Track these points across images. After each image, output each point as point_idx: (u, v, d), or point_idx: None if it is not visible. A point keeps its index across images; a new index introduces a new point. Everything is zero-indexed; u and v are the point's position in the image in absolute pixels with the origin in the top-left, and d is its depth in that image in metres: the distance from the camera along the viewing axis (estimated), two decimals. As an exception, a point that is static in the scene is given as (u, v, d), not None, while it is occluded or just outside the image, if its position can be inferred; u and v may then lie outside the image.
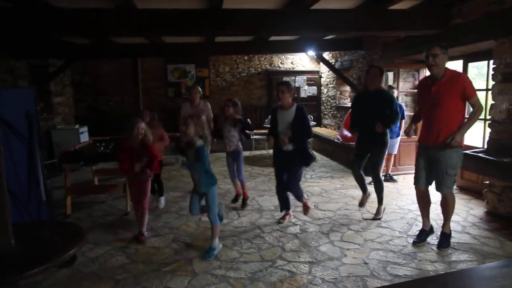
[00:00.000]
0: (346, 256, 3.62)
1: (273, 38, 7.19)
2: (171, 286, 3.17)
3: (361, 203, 4.74)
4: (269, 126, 4.68)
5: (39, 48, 6.69)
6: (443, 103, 3.46)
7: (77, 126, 8.09)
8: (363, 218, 4.61)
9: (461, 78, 3.46)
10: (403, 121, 6.21)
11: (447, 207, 3.68)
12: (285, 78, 10.20)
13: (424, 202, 3.85)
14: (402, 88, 6.80)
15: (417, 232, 3.96)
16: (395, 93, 6.17)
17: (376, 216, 4.59)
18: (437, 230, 3.94)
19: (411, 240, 3.90)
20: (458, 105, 3.46)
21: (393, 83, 6.72)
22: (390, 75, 7.01)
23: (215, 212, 3.71)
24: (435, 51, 3.44)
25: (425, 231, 3.87)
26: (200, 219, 4.60)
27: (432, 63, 3.46)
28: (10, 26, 4.03)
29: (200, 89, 5.80)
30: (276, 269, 3.40)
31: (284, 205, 4.56)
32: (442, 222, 3.81)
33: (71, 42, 6.94)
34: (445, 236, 3.75)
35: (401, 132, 6.28)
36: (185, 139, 3.65)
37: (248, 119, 9.40)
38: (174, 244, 4.01)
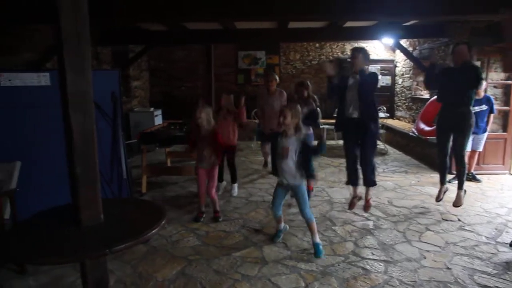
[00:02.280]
0: (425, 258, 3.36)
1: (347, 24, 6.86)
2: (242, 272, 3.17)
3: (438, 197, 4.46)
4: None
5: (121, 36, 7.06)
6: None
7: (152, 109, 8.47)
8: (442, 219, 4.27)
9: None
10: (492, 115, 5.64)
11: None
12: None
13: None
14: (492, 79, 6.15)
15: (509, 240, 3.57)
16: (484, 85, 5.59)
17: (456, 204, 4.32)
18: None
19: (502, 249, 3.52)
20: None
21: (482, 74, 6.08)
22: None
23: (307, 207, 3.48)
24: None
25: None
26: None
27: None
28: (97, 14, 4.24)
29: (276, 76, 5.62)
30: (349, 265, 3.26)
31: (355, 180, 4.30)
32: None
33: (149, 30, 7.21)
34: None
35: (489, 127, 5.71)
36: (283, 129, 3.39)
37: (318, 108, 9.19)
38: (244, 230, 4.01)
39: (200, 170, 4.26)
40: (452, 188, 4.68)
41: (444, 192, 4.51)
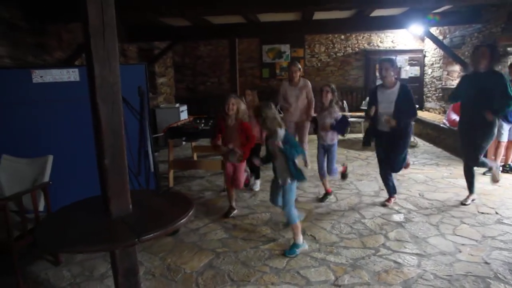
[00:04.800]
0: (461, 252, 3.23)
1: (374, 13, 6.67)
2: (269, 265, 3.14)
3: (465, 201, 4.28)
4: (365, 108, 4.33)
5: (147, 33, 7.15)
6: None
7: (177, 105, 8.55)
8: (478, 212, 4.09)
9: None
10: (531, 104, 5.34)
11: None
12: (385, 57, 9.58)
13: None
14: (531, 65, 5.83)
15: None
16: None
17: (494, 180, 4.20)
18: None
19: (544, 242, 3.34)
20: None
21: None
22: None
23: (290, 207, 3.33)
24: None
25: None
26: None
27: None
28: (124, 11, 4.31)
29: (299, 66, 5.53)
30: (380, 258, 3.17)
31: (392, 189, 4.36)
32: None
33: (174, 25, 7.27)
34: None
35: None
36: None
37: (344, 101, 9.04)
38: (271, 223, 3.98)
39: (228, 165, 4.21)
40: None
41: (473, 200, 4.29)
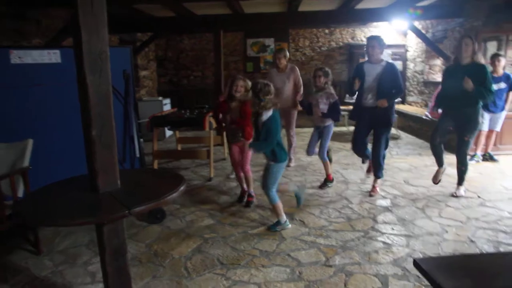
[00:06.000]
0: (447, 232, 3.27)
1: (360, 6, 6.71)
2: (259, 248, 3.11)
3: (435, 178, 4.28)
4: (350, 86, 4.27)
5: (128, 24, 6.99)
6: None
7: (160, 98, 8.42)
8: (462, 195, 4.16)
9: None
10: (510, 93, 5.48)
11: None
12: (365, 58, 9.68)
13: None
14: (511, 57, 5.98)
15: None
16: (502, 62, 5.43)
17: (455, 194, 4.16)
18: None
19: (525, 222, 3.42)
20: None
21: (501, 51, 5.92)
22: (492, 46, 6.22)
23: (271, 188, 3.36)
24: None
25: None
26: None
27: None
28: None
29: (286, 52, 5.48)
30: (369, 239, 3.18)
31: (366, 158, 4.42)
32: None
33: (156, 16, 7.15)
34: None
35: (507, 106, 5.56)
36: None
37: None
38: (259, 209, 3.95)
39: (233, 146, 4.10)
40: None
41: (442, 173, 4.29)
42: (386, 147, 4.21)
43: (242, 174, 4.17)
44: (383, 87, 3.93)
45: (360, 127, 4.25)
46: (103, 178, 1.91)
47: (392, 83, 3.93)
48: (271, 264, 2.86)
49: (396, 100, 4.25)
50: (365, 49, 4.16)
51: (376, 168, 4.24)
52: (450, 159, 4.62)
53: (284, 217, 3.45)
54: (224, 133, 4.63)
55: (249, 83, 3.95)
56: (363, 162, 4.52)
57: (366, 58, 4.15)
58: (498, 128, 5.63)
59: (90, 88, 1.80)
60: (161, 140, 7.84)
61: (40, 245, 3.20)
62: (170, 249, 3.18)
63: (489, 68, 4.47)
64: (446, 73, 4.23)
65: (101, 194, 1.90)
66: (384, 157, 4.24)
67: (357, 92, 4.18)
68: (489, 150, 5.75)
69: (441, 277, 1.19)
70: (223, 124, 4.24)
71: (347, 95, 8.76)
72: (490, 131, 5.63)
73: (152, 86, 9.44)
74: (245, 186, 4.23)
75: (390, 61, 4.10)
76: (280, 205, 3.42)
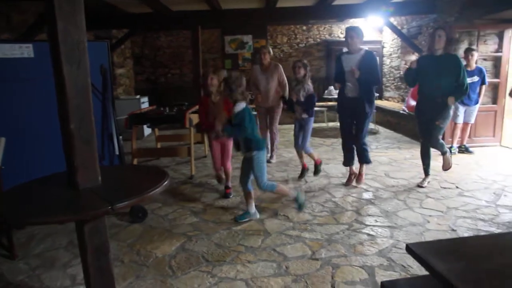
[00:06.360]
0: (429, 222, 3.33)
1: (337, 2, 6.75)
2: (244, 244, 3.07)
3: (421, 183, 4.31)
4: (334, 76, 4.41)
5: (104, 19, 6.80)
6: None
7: (138, 96, 8.25)
8: (441, 187, 4.25)
9: None
10: (484, 86, 5.64)
11: None
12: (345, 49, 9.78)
13: None
14: (482, 51, 6.15)
15: (508, 203, 3.57)
16: (475, 57, 5.58)
17: (445, 167, 4.23)
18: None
19: (502, 210, 3.53)
20: None
21: (474, 46, 6.07)
22: (464, 41, 6.38)
23: (264, 179, 3.39)
24: None
25: None
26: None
27: None
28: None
29: (270, 49, 5.45)
30: (354, 232, 3.20)
31: (350, 160, 4.42)
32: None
33: (132, 13, 6.99)
34: None
35: (480, 99, 5.71)
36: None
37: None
38: (242, 206, 3.90)
39: (214, 143, 4.12)
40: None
41: (428, 182, 4.32)
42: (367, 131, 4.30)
43: (222, 172, 4.23)
44: (362, 74, 3.95)
45: (344, 118, 4.31)
46: (83, 174, 1.83)
47: (370, 71, 3.97)
48: (257, 259, 2.83)
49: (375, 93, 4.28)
50: (344, 39, 4.20)
51: (362, 155, 4.28)
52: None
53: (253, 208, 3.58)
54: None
55: (223, 74, 4.02)
56: (344, 164, 4.50)
57: (345, 49, 4.19)
58: (472, 120, 5.79)
59: (67, 80, 1.71)
60: (140, 139, 7.68)
61: (15, 249, 3.05)
62: (153, 248, 3.10)
63: (463, 62, 4.57)
64: (419, 62, 4.18)
65: (81, 191, 1.82)
66: (367, 147, 4.31)
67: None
68: (465, 143, 5.90)
69: (434, 260, 1.19)
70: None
71: (326, 91, 8.83)
72: (465, 123, 5.78)
73: (129, 84, 9.24)
74: (228, 183, 4.25)
75: (369, 50, 4.13)
76: (285, 188, 3.59)
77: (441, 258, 1.21)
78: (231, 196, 4.18)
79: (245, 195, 3.59)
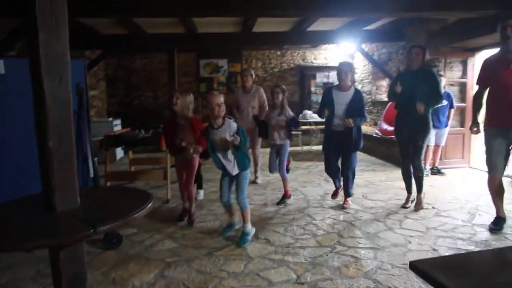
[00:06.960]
0: (410, 243, 3.34)
1: (311, 28, 6.95)
2: (226, 270, 2.96)
3: (405, 204, 4.35)
4: (319, 106, 4.47)
5: (77, 40, 6.67)
6: None
7: (110, 119, 8.05)
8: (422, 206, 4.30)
9: None
10: (452, 110, 5.88)
11: None
12: (319, 74, 10.02)
13: (500, 190, 3.53)
14: (449, 77, 6.44)
15: (488, 221, 3.66)
16: (443, 82, 5.83)
17: (418, 207, 4.24)
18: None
19: (479, 229, 3.60)
20: None
21: (441, 72, 6.35)
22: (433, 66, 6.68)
23: (245, 195, 3.49)
24: None
25: (502, 219, 3.55)
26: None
27: (510, 35, 3.18)
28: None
29: (252, 72, 5.49)
30: (337, 254, 3.15)
31: (337, 180, 4.48)
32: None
33: (107, 34, 6.91)
34: None
35: (450, 122, 5.94)
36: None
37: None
38: (222, 229, 3.79)
39: (179, 164, 4.09)
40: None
41: (412, 201, 4.35)
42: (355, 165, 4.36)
43: (185, 194, 4.14)
44: (351, 113, 4.05)
45: (330, 150, 4.33)
46: (61, 195, 1.70)
47: (359, 110, 4.09)
48: (241, 285, 2.72)
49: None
50: (336, 74, 4.22)
51: (348, 186, 4.36)
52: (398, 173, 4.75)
53: (249, 225, 3.55)
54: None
55: (190, 97, 4.06)
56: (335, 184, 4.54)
57: (336, 83, 4.27)
58: (443, 143, 5.98)
59: (47, 94, 1.62)
60: (112, 163, 7.41)
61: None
62: (130, 275, 2.93)
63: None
64: (398, 77, 4.31)
65: (59, 213, 1.69)
66: (353, 176, 4.40)
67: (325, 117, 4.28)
68: (437, 164, 6.06)
69: (442, 277, 1.16)
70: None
71: (300, 115, 8.93)
72: (436, 146, 5.96)
73: (101, 107, 9.02)
74: (187, 204, 4.14)
75: (357, 88, 4.27)
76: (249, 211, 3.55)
77: (446, 274, 1.19)
78: (194, 223, 4.00)
79: (228, 211, 3.67)
